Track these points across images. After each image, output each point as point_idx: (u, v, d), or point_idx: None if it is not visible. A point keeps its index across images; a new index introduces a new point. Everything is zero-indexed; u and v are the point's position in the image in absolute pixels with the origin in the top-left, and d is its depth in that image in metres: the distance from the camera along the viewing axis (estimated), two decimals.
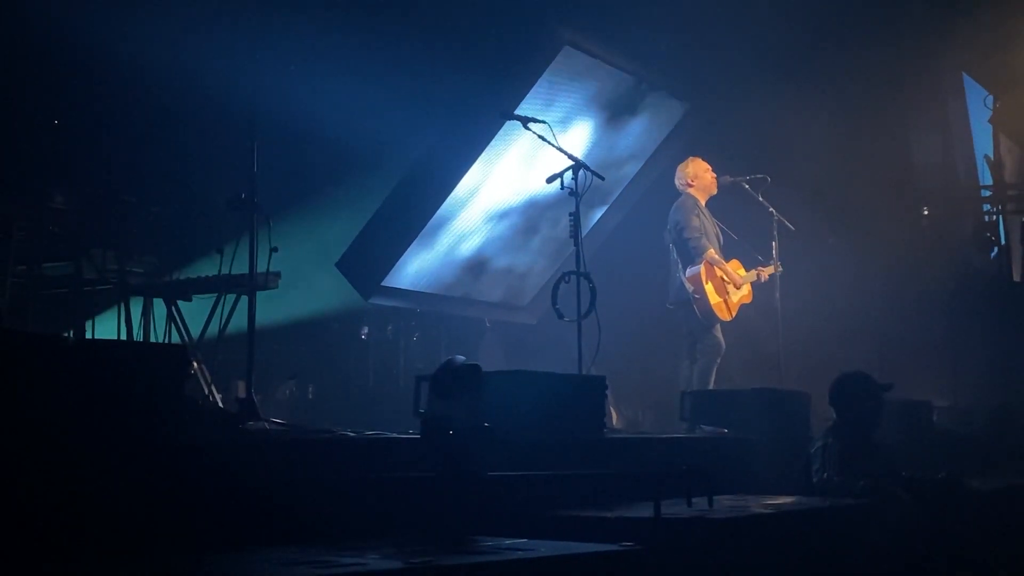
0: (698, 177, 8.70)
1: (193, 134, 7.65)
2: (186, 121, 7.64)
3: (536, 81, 9.23)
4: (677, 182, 8.78)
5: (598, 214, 10.86)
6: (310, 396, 9.29)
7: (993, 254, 11.37)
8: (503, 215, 10.03)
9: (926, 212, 11.84)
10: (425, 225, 9.33)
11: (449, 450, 4.67)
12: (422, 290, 9.84)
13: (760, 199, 8.81)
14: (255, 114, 6.22)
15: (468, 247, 9.99)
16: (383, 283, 9.35)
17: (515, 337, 10.91)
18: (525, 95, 9.13)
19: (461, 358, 5.23)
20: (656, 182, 10.79)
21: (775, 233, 8.82)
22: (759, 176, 8.83)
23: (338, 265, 8.96)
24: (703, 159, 8.83)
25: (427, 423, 4.82)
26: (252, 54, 6.36)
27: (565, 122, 9.61)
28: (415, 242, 9.36)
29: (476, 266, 10.21)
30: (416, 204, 9.22)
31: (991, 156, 11.61)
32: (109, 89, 7.34)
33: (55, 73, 7.08)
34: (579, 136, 9.98)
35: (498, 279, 10.59)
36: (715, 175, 8.75)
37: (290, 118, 7.31)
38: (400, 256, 9.33)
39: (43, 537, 3.48)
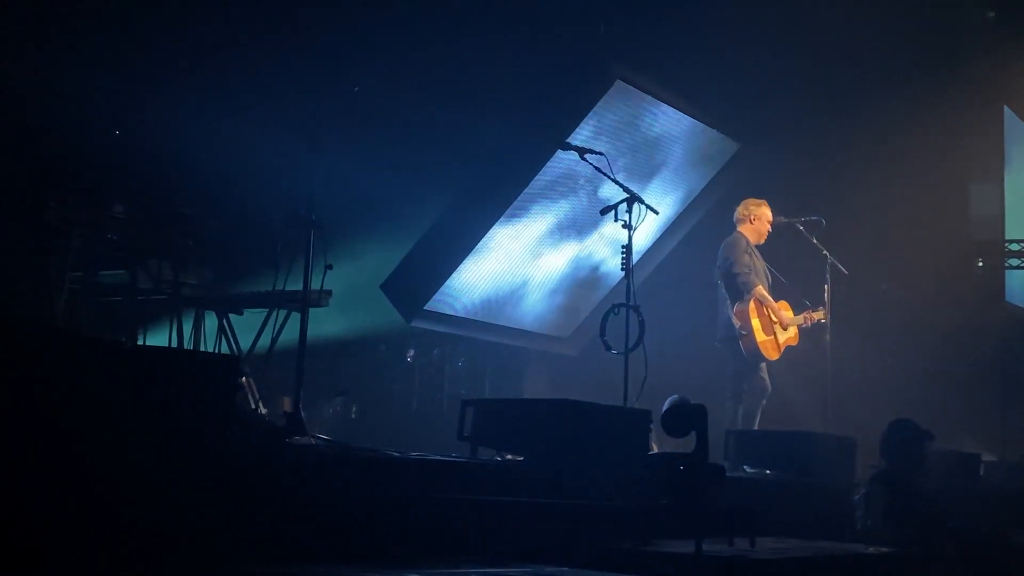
0: (759, 219, 8.65)
1: (253, 149, 7.71)
2: (246, 136, 7.70)
3: (588, 113, 9.26)
4: (736, 214, 8.72)
5: (645, 248, 10.84)
6: (354, 415, 9.31)
7: None
8: (549, 245, 10.03)
9: (980, 263, 11.74)
10: (471, 251, 9.37)
11: (679, 484, 4.94)
12: (465, 316, 9.86)
13: (814, 242, 8.76)
14: (316, 131, 6.27)
15: (512, 276, 10.00)
16: (426, 307, 9.38)
17: (560, 367, 10.89)
18: (576, 126, 9.16)
19: (678, 397, 5.39)
20: (704, 219, 10.77)
21: (828, 277, 8.76)
22: (814, 218, 8.78)
23: (383, 287, 9.00)
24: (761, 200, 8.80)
25: (656, 458, 5.15)
26: (316, 72, 6.42)
27: (614, 155, 9.60)
28: (459, 268, 9.39)
29: (519, 295, 10.20)
30: (463, 230, 9.26)
31: None
32: (171, 101, 7.42)
33: (118, 82, 7.17)
34: (628, 170, 9.96)
35: (541, 309, 10.58)
36: (772, 225, 8.71)
37: (350, 136, 7.35)
38: (445, 281, 9.36)
39: (86, 540, 3.51)
